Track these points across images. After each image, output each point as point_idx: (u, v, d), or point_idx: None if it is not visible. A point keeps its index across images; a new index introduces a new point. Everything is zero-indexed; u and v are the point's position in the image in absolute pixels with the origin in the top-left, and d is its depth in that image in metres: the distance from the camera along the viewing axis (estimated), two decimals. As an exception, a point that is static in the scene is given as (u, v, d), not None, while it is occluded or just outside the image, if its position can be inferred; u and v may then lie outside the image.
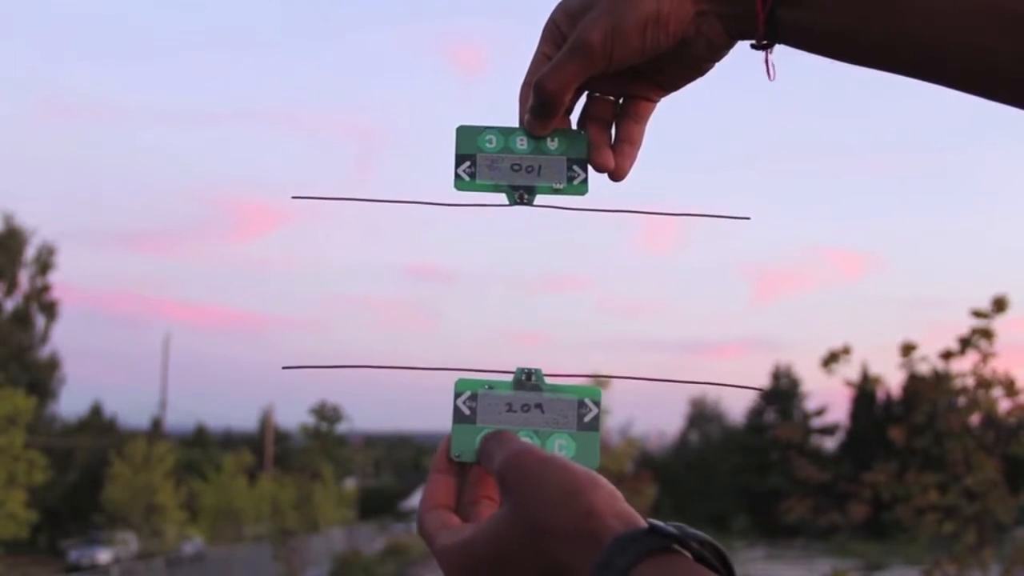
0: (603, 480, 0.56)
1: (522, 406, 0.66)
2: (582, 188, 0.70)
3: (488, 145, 0.70)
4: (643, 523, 0.53)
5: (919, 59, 0.59)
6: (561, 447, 0.65)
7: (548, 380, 0.67)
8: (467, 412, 0.66)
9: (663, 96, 0.70)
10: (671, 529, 0.52)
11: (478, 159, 0.70)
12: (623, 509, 0.54)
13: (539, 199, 0.70)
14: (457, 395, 0.66)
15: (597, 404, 0.66)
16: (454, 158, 0.71)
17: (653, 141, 0.71)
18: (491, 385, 0.67)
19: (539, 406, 0.66)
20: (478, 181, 0.70)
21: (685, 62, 0.66)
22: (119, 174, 70.22)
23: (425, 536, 0.62)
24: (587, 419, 0.66)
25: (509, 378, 0.67)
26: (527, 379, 0.67)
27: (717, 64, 0.67)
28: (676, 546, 0.51)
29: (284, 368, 0.70)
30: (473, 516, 0.63)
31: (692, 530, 0.52)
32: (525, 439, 0.64)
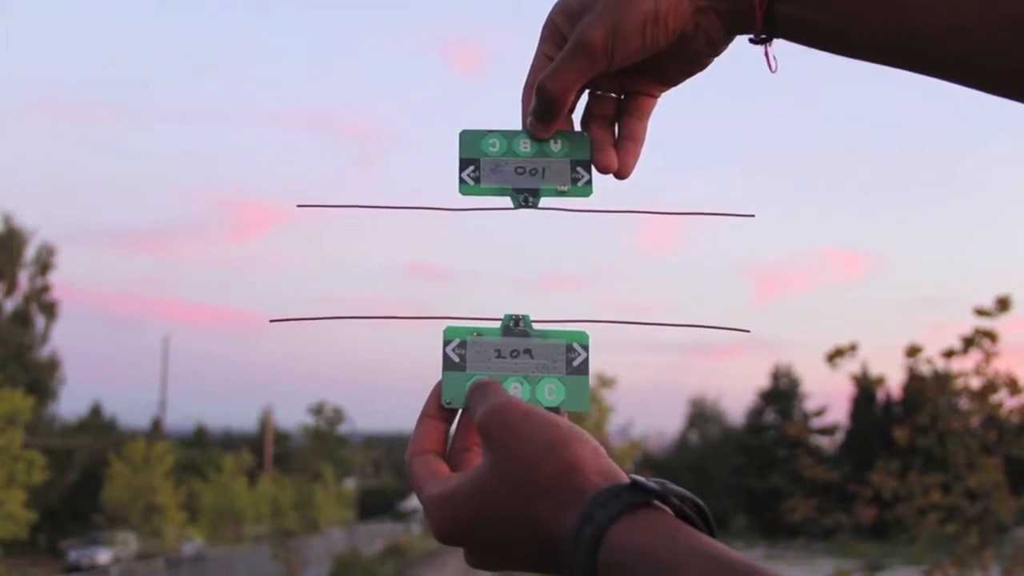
0: (587, 435, 0.56)
1: (511, 352, 0.66)
2: (586, 190, 0.69)
3: (491, 149, 0.70)
4: (626, 479, 0.54)
5: (917, 52, 0.58)
6: (551, 392, 0.65)
7: (536, 326, 0.67)
8: (456, 359, 0.66)
9: (664, 91, 0.70)
10: (653, 485, 0.53)
11: (482, 163, 0.70)
12: (606, 465, 0.55)
13: (544, 201, 0.70)
14: (446, 343, 0.66)
15: (585, 348, 0.67)
16: (458, 162, 0.70)
17: (650, 140, 0.70)
18: (480, 332, 0.67)
19: (528, 351, 0.66)
20: (483, 185, 0.70)
21: (685, 58, 0.66)
22: (119, 174, 70.31)
23: (412, 482, 0.62)
24: (576, 363, 0.66)
25: (497, 325, 0.67)
26: (515, 325, 0.67)
27: (716, 60, 0.67)
28: (657, 502, 0.52)
29: (272, 321, 0.69)
30: (463, 463, 0.63)
31: (673, 486, 0.53)
32: (513, 388, 0.64)
